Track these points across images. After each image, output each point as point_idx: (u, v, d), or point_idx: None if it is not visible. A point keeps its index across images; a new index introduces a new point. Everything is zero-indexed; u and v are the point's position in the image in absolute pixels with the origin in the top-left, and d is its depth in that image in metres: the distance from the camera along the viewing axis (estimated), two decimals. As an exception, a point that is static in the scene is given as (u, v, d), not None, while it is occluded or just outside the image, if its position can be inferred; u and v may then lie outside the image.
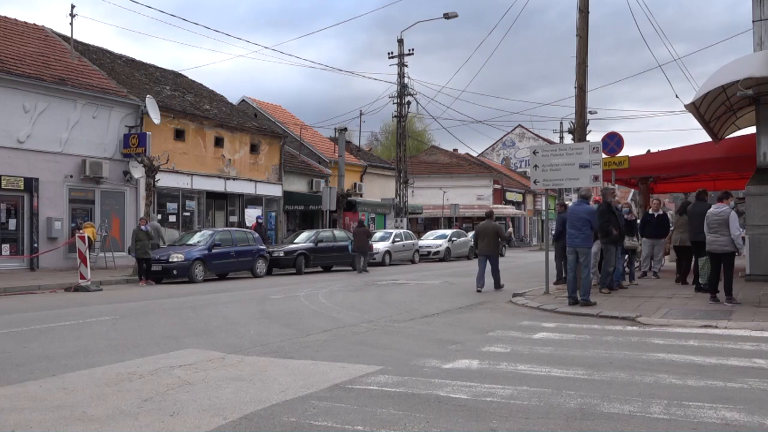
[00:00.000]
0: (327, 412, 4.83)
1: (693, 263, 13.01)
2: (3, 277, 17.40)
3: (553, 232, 15.49)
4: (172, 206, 24.93)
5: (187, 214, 25.67)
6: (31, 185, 19.84)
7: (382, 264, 25.78)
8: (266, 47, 65.81)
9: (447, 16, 30.48)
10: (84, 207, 21.67)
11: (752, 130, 15.85)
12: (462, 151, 57.11)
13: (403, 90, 33.55)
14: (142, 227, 18.13)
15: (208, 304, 12.48)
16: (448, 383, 5.65)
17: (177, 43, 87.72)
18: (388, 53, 33.45)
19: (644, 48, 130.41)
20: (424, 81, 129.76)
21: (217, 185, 26.72)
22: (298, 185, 31.70)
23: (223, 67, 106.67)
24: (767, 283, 12.53)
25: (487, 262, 14.42)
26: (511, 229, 47.43)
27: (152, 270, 17.91)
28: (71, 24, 23.28)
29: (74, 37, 24.11)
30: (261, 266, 20.63)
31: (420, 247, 30.37)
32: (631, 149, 66.00)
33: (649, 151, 27.70)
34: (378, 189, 37.69)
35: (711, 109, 14.51)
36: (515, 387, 5.48)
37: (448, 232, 33.11)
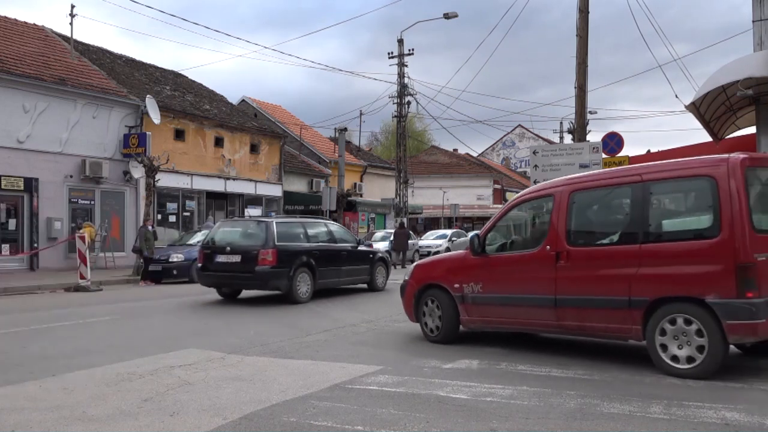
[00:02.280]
0: (327, 412, 4.83)
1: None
2: (3, 277, 17.38)
3: None
4: (172, 206, 24.94)
5: (187, 214, 25.67)
6: (31, 185, 19.84)
7: (382, 264, 25.81)
8: (266, 47, 65.90)
9: (447, 16, 30.47)
10: (84, 207, 21.65)
11: (752, 130, 15.83)
12: (462, 151, 57.17)
13: (403, 90, 33.55)
14: (149, 227, 18.24)
15: (208, 303, 12.48)
16: (448, 383, 5.65)
17: (178, 44, 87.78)
18: (388, 53, 33.47)
19: (646, 48, 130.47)
20: (425, 81, 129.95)
21: (217, 185, 26.72)
22: (298, 185, 31.70)
23: (225, 67, 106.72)
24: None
25: None
26: None
27: (152, 270, 17.92)
28: (71, 24, 23.33)
29: (75, 37, 24.11)
30: (261, 266, 20.60)
31: (420, 247, 30.37)
32: (631, 149, 66.01)
33: (649, 151, 27.72)
34: (378, 189, 37.69)
35: (711, 109, 14.51)
36: (515, 387, 5.48)
37: (448, 232, 33.10)
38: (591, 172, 7.83)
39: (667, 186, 6.33)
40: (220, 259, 12.45)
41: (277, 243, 12.04)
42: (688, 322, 5.75)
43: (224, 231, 13.36)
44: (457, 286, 7.59)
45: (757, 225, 5.69)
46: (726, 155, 5.99)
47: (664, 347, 5.89)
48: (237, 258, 12.20)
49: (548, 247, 6.73)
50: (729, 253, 5.58)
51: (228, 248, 12.45)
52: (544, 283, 6.71)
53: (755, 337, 5.69)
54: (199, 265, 13.08)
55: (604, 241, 6.62)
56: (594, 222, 6.96)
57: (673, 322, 5.83)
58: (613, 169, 7.26)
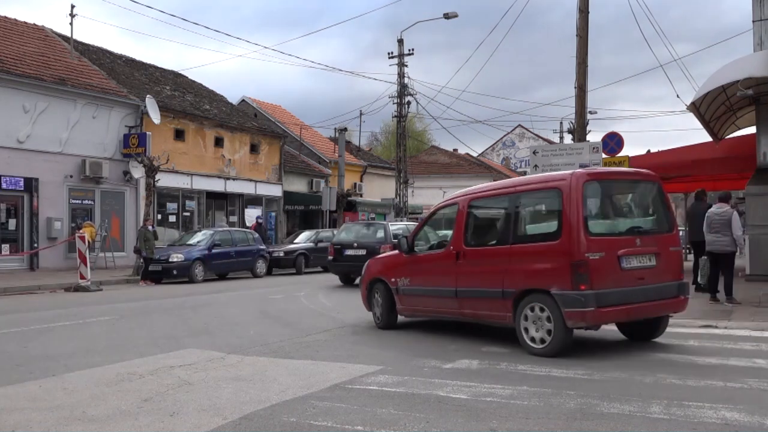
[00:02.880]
0: (327, 412, 4.83)
1: (693, 263, 13.02)
2: (3, 277, 17.40)
3: None
4: (172, 206, 24.94)
5: (187, 214, 25.67)
6: (31, 185, 19.84)
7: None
8: (266, 47, 65.86)
9: (447, 16, 30.44)
10: (84, 207, 21.66)
11: (752, 130, 15.85)
12: (462, 151, 57.05)
13: (403, 90, 33.51)
14: (149, 227, 18.26)
15: (208, 304, 12.48)
16: (448, 383, 5.65)
17: (179, 44, 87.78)
18: (388, 53, 33.40)
19: (648, 48, 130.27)
20: (426, 81, 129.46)
21: (217, 185, 26.71)
22: (298, 185, 31.69)
23: (227, 67, 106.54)
24: (767, 283, 12.53)
25: None
26: None
27: (152, 270, 17.93)
28: (71, 24, 23.32)
29: (76, 37, 24.14)
30: (261, 266, 20.62)
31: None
32: (631, 149, 65.92)
33: (649, 151, 27.71)
34: (378, 189, 37.67)
35: (711, 109, 14.52)
36: (515, 387, 5.48)
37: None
38: (488, 183, 8.95)
39: (531, 196, 7.57)
40: (349, 252, 16.09)
41: (392, 239, 15.36)
42: (541, 310, 6.85)
43: (349, 231, 17.41)
44: (393, 280, 8.94)
45: (593, 229, 6.76)
46: (573, 171, 7.07)
47: (527, 330, 7.00)
48: (362, 251, 15.56)
49: (452, 247, 8.02)
50: (567, 253, 6.65)
51: (355, 244, 16.09)
52: (449, 278, 7.98)
53: (585, 323, 6.76)
54: (331, 257, 16.67)
55: (487, 243, 7.89)
56: (482, 226, 8.26)
57: (532, 309, 6.95)
58: (501, 181, 8.42)
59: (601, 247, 6.70)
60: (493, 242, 7.72)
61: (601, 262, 6.64)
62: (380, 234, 16.32)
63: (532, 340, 6.93)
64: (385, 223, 15.99)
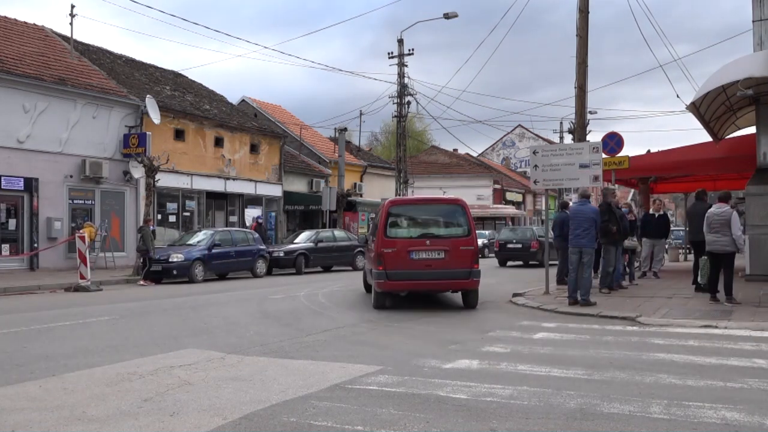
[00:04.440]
0: (327, 412, 4.83)
1: (693, 263, 13.02)
2: (3, 277, 17.39)
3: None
4: (172, 206, 24.92)
5: (187, 214, 25.66)
6: (31, 185, 19.83)
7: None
8: (266, 47, 65.61)
9: (447, 16, 30.42)
10: (84, 207, 21.65)
11: (752, 130, 15.84)
12: (462, 151, 57.07)
13: (403, 90, 33.49)
14: (150, 227, 18.26)
15: (208, 304, 12.48)
16: (448, 383, 5.65)
17: (180, 44, 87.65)
18: (388, 53, 33.37)
19: (649, 49, 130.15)
20: (426, 81, 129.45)
21: (217, 185, 26.70)
22: (298, 185, 31.68)
23: (228, 67, 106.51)
24: (767, 283, 12.53)
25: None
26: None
27: (152, 270, 17.92)
28: (71, 24, 23.29)
29: (76, 37, 24.10)
30: (261, 266, 20.61)
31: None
32: (631, 149, 65.85)
33: (649, 151, 27.69)
34: (378, 189, 37.65)
35: (711, 109, 14.52)
36: (515, 387, 5.48)
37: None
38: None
39: (376, 215, 11.99)
40: (510, 246, 24.68)
41: (537, 237, 23.70)
42: (372, 280, 11.12)
43: (508, 232, 26.67)
44: (364, 261, 14.68)
45: (389, 234, 10.89)
46: (390, 198, 12.05)
47: (371, 292, 11.48)
48: (519, 245, 24.46)
49: (367, 241, 12.96)
50: (375, 247, 10.89)
51: (514, 240, 24.79)
52: (366, 260, 13.18)
53: (382, 289, 10.79)
54: (496, 249, 25.59)
55: (368, 240, 12.52)
56: (371, 230, 12.45)
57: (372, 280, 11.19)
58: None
59: (393, 245, 10.75)
60: (369, 239, 12.47)
61: (393, 254, 10.66)
62: (529, 234, 25.01)
63: (372, 298, 11.25)
64: (531, 226, 24.52)
